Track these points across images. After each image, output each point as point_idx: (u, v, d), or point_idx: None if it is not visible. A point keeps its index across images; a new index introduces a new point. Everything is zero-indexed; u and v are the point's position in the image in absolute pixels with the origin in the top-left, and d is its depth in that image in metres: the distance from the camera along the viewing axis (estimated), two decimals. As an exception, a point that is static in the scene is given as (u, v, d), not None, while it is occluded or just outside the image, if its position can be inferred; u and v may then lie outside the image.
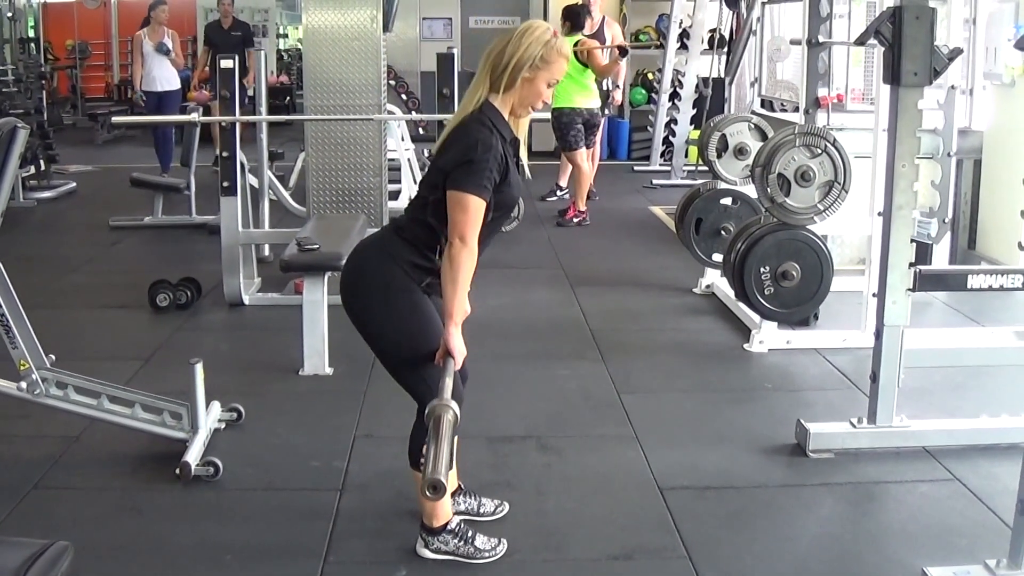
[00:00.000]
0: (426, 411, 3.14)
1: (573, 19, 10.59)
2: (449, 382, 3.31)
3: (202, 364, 4.81)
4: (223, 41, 13.23)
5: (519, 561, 4.00)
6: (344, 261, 4.00)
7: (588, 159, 10.81)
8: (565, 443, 5.12)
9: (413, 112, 13.74)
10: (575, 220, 10.47)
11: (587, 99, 10.58)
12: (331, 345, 6.01)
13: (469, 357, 3.73)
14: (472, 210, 3.56)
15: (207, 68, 13.69)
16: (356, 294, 3.83)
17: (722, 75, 9.88)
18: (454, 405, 3.10)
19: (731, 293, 6.67)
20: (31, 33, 16.49)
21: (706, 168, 7.61)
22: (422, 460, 3.78)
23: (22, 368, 4.64)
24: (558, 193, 11.71)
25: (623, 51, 11.06)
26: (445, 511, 3.94)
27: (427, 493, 2.84)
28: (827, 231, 6.33)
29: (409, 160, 11.04)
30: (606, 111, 11.87)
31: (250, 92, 11.91)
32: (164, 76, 12.89)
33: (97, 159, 14.96)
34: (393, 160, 10.06)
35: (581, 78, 10.46)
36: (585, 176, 10.67)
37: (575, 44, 10.37)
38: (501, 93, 3.70)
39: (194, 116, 8.24)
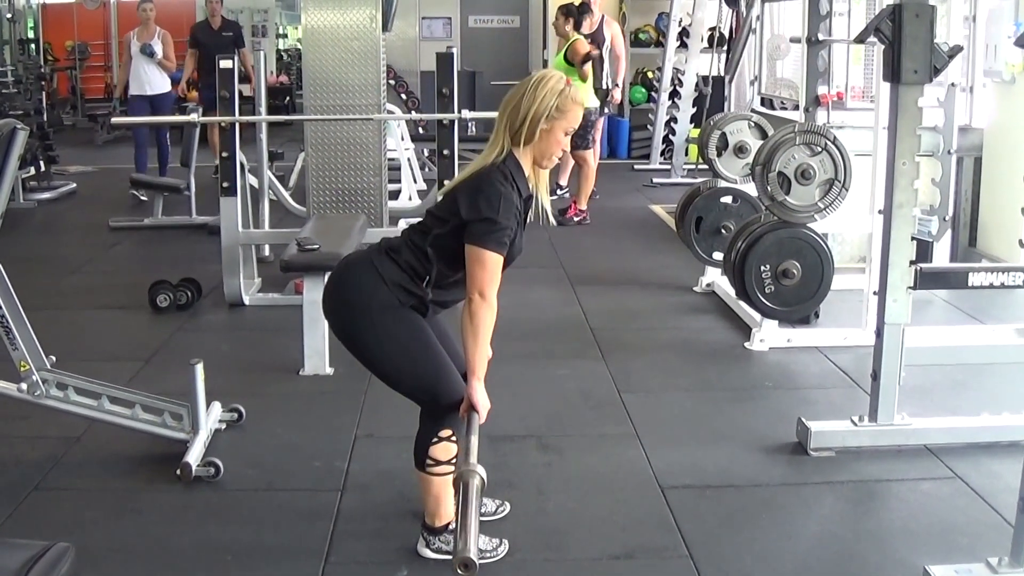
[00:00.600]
0: (453, 477, 3.15)
1: (573, 18, 10.58)
2: (474, 441, 3.32)
3: (202, 365, 4.80)
4: (213, 42, 12.51)
5: (520, 561, 4.00)
6: (327, 277, 3.99)
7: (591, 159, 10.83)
8: (566, 442, 5.12)
9: (413, 112, 13.74)
10: (576, 219, 10.47)
11: (590, 98, 10.59)
12: (331, 345, 6.00)
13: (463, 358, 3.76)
14: (492, 267, 3.61)
15: (196, 72, 13.11)
16: (341, 313, 3.85)
17: (722, 73, 9.87)
18: (480, 470, 3.08)
19: (732, 291, 6.67)
20: (31, 34, 16.50)
21: (706, 166, 7.62)
22: (430, 463, 3.82)
23: (22, 369, 4.64)
24: (559, 192, 11.71)
25: (586, 58, 11.01)
26: (447, 511, 3.94)
27: (458, 572, 2.77)
28: (827, 229, 6.32)
29: (409, 160, 11.05)
30: (606, 110, 11.85)
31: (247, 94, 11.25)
32: (151, 79, 11.97)
33: (97, 160, 14.96)
34: (393, 160, 10.06)
35: (571, 77, 10.43)
36: (592, 175, 10.67)
37: (569, 43, 10.38)
38: (522, 147, 3.73)
39: (193, 116, 8.23)
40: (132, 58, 11.93)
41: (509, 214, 3.63)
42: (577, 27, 10.54)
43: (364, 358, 3.88)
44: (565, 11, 10.59)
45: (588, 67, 10.37)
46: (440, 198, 3.85)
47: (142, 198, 11.08)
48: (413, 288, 3.74)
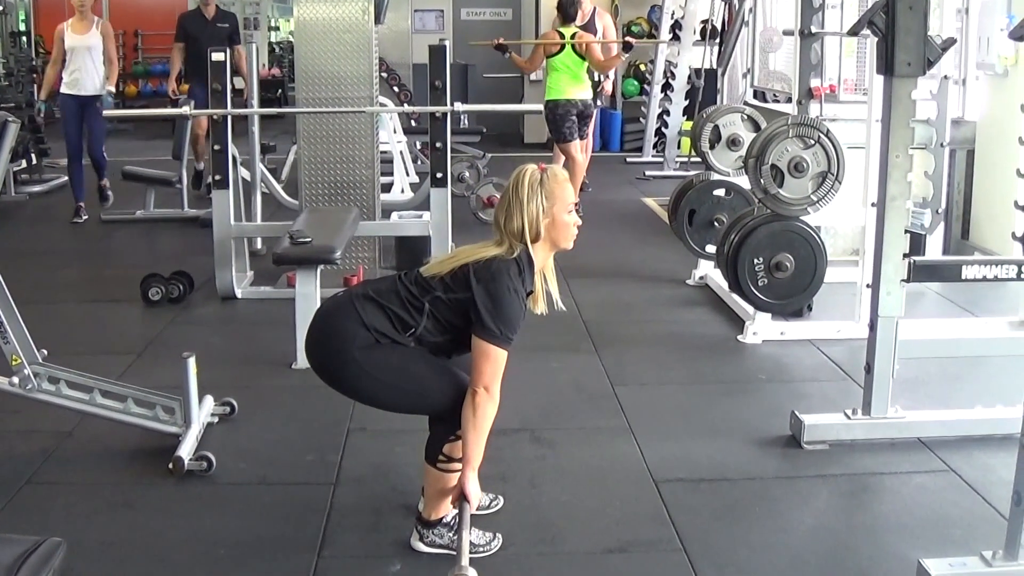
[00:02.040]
0: None
1: (564, 10, 10.56)
2: (466, 537, 3.38)
3: (195, 358, 4.79)
4: (206, 34, 11.05)
5: (514, 555, 3.99)
6: (308, 329, 3.98)
7: (581, 151, 10.79)
8: (559, 436, 5.11)
9: (405, 104, 13.72)
10: None
11: (581, 90, 10.55)
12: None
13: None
14: (498, 362, 3.65)
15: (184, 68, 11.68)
16: (326, 363, 3.87)
17: (714, 66, 9.89)
18: (473, 573, 3.11)
19: (724, 284, 6.67)
20: (22, 27, 16.43)
21: (699, 159, 7.62)
22: (441, 459, 3.82)
23: (14, 363, 4.62)
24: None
25: (627, 46, 11.05)
26: (444, 505, 3.93)
27: None
28: (821, 222, 6.32)
29: (401, 152, 11.04)
30: (598, 102, 11.85)
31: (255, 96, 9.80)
32: (85, 78, 10.23)
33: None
34: (385, 152, 10.04)
35: (577, 70, 10.44)
36: (579, 168, 10.65)
37: (572, 36, 10.36)
38: (532, 244, 3.77)
39: (185, 109, 8.21)
40: (67, 52, 10.21)
41: (520, 313, 3.70)
42: (569, 19, 10.52)
43: (367, 398, 3.90)
44: (558, 3, 10.61)
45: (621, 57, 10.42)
46: (447, 266, 3.77)
47: (108, 193, 10.65)
48: (395, 336, 3.73)
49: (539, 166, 3.80)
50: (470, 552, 3.89)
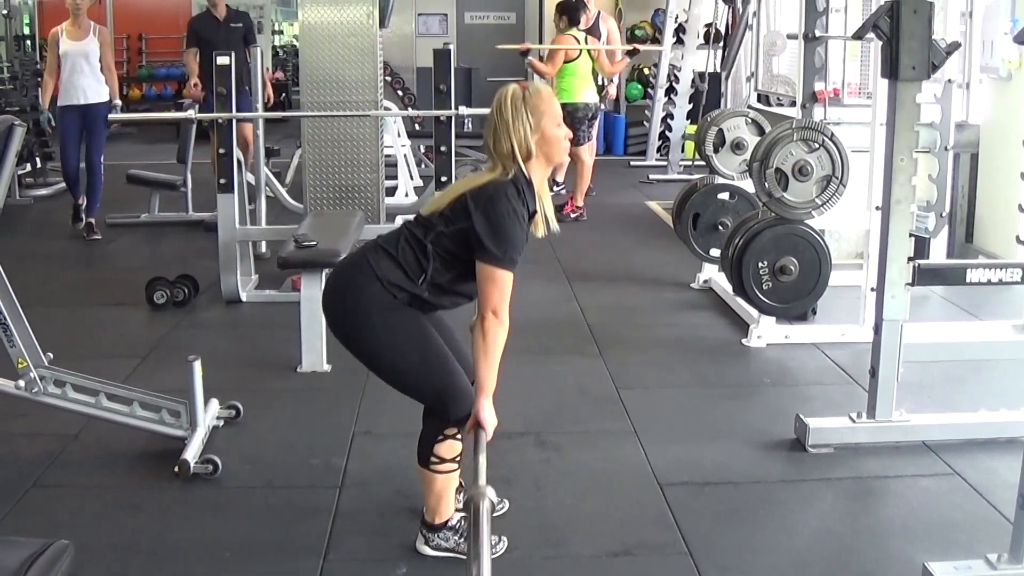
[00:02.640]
0: (463, 500, 3.13)
1: (569, 14, 10.58)
2: (483, 461, 3.32)
3: (200, 361, 4.80)
4: (220, 37, 10.37)
5: (519, 558, 4.00)
6: (324, 283, 3.97)
7: (590, 152, 10.86)
8: (564, 439, 5.12)
9: (409, 108, 13.72)
10: (572, 215, 10.47)
11: (592, 93, 10.63)
12: (329, 342, 5.99)
13: (468, 357, 3.75)
14: (504, 285, 3.61)
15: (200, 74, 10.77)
16: (341, 318, 3.81)
17: (718, 69, 9.87)
18: (490, 492, 3.07)
19: (729, 288, 6.67)
20: (27, 31, 16.46)
21: (703, 163, 7.62)
22: (434, 460, 3.81)
23: (20, 366, 4.63)
24: (555, 188, 11.71)
25: (633, 52, 11.12)
26: (447, 508, 3.93)
27: None
28: (825, 225, 6.32)
29: (406, 156, 11.04)
30: (601, 105, 11.87)
31: (260, 99, 9.64)
32: (86, 86, 9.52)
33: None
34: (390, 156, 10.05)
35: (588, 74, 10.49)
36: (588, 171, 10.69)
37: (586, 40, 10.39)
38: (525, 164, 3.71)
39: (191, 113, 8.22)
40: (62, 60, 9.48)
41: (521, 233, 3.65)
42: (574, 23, 10.55)
43: (366, 360, 3.87)
44: (561, 8, 10.61)
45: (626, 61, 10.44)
46: (447, 200, 3.76)
47: (95, 231, 9.68)
48: (408, 286, 3.71)
49: (520, 84, 3.75)
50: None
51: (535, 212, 3.79)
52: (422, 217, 3.81)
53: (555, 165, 3.87)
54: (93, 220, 9.72)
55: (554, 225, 3.93)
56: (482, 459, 3.33)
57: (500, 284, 3.60)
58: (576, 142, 10.47)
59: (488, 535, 2.92)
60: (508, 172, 3.68)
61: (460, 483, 4.26)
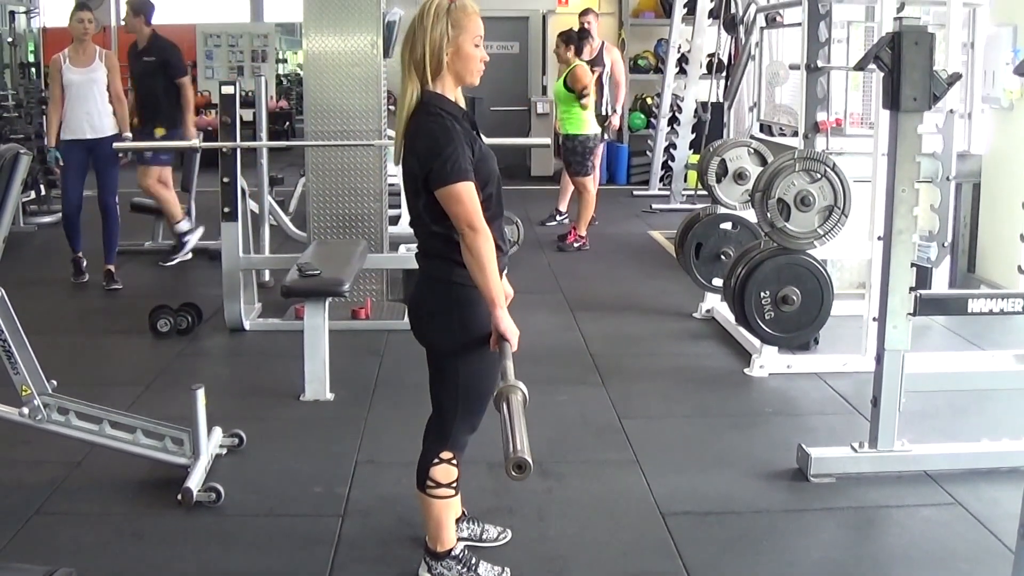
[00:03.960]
0: (495, 394, 3.14)
1: (576, 44, 10.66)
2: (510, 364, 3.31)
3: (203, 390, 4.81)
4: (134, 67, 9.78)
5: (522, 587, 4.00)
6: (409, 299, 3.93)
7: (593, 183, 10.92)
8: (566, 468, 5.12)
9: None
10: (575, 245, 10.50)
11: (595, 124, 10.67)
12: (332, 371, 6.02)
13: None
14: (466, 197, 3.50)
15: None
16: (427, 326, 3.78)
17: (721, 99, 9.91)
18: (521, 386, 3.09)
19: (731, 318, 6.68)
20: (31, 58, 16.46)
21: (705, 193, 7.64)
22: (430, 484, 3.81)
23: (24, 394, 4.64)
24: (558, 218, 11.74)
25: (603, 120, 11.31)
26: (449, 536, 3.93)
27: (512, 472, 2.81)
28: (827, 255, 6.33)
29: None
30: (605, 136, 11.91)
31: (193, 139, 9.04)
32: (92, 119, 8.82)
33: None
34: (393, 185, 10.07)
35: (592, 104, 10.54)
36: (592, 201, 10.72)
37: (570, 69, 10.46)
38: (432, 81, 3.62)
39: (195, 142, 8.26)
40: (66, 89, 8.75)
41: (451, 139, 3.52)
42: (578, 53, 10.60)
43: (438, 352, 3.80)
44: (565, 38, 10.64)
45: (588, 96, 10.44)
46: (401, 158, 3.71)
47: (116, 280, 8.96)
48: (463, 263, 3.62)
49: None
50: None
51: (466, 113, 3.71)
52: (411, 208, 3.73)
53: (468, 83, 3.74)
54: (113, 268, 9.04)
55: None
56: (509, 364, 3.32)
57: (463, 198, 3.49)
58: (582, 172, 10.54)
59: (521, 420, 2.99)
60: (413, 94, 3.60)
61: (463, 511, 4.26)
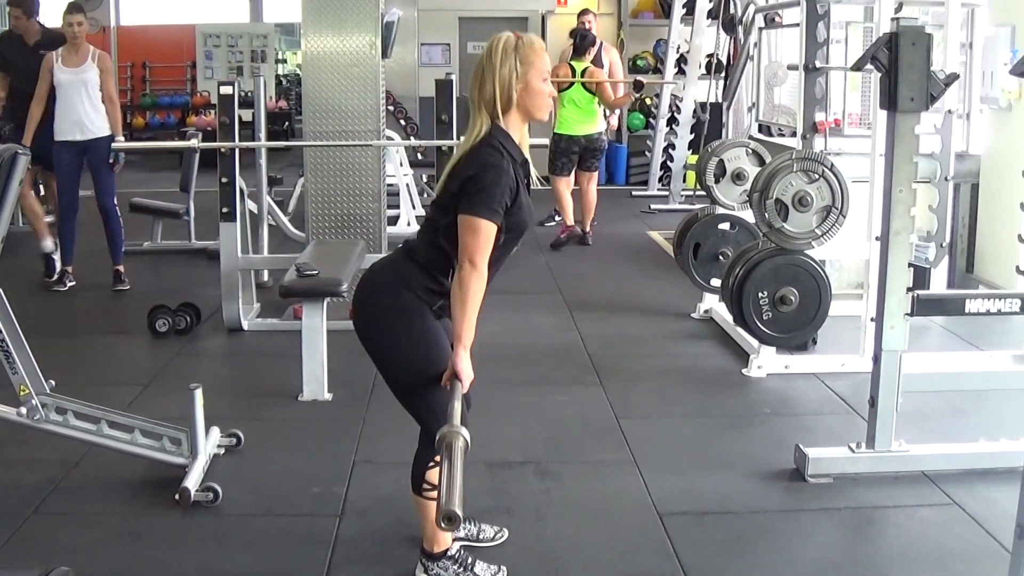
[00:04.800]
0: (436, 438, 3.10)
1: (576, 43, 10.69)
2: (457, 406, 3.30)
3: (201, 389, 4.81)
4: (27, 63, 9.06)
5: (519, 587, 4.01)
6: (356, 283, 3.97)
7: (588, 182, 10.92)
8: (564, 468, 5.12)
9: (412, 138, 13.77)
10: (563, 236, 10.63)
11: (588, 126, 10.69)
12: (330, 371, 6.02)
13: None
14: (483, 234, 3.55)
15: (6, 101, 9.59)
16: (367, 317, 3.81)
17: (719, 100, 9.92)
18: (464, 431, 3.07)
19: (729, 318, 6.68)
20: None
21: (704, 193, 7.63)
22: (426, 487, 3.81)
23: (22, 393, 4.65)
24: (556, 218, 11.74)
25: (639, 85, 11.19)
26: (445, 537, 3.94)
27: (442, 524, 2.78)
28: (825, 256, 6.34)
29: (408, 185, 11.06)
30: (605, 136, 11.95)
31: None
32: (84, 119, 8.61)
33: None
34: (392, 185, 10.09)
35: (589, 105, 10.57)
36: (564, 199, 10.81)
37: (582, 73, 10.48)
38: (503, 116, 3.69)
39: (194, 142, 8.26)
40: (57, 89, 8.57)
41: (499, 181, 3.58)
42: (578, 53, 10.65)
43: (378, 359, 3.85)
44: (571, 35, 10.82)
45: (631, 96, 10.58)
46: (438, 191, 3.80)
47: (124, 278, 8.93)
48: (436, 286, 3.71)
49: (515, 34, 3.73)
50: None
51: (526, 162, 3.77)
52: (428, 217, 3.81)
53: (536, 119, 3.81)
54: (121, 268, 8.98)
55: (535, 179, 3.89)
56: (457, 404, 3.31)
57: (480, 234, 3.55)
58: (551, 170, 10.63)
59: (461, 469, 2.93)
60: (482, 128, 3.67)
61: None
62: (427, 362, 3.73)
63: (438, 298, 3.73)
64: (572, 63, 10.67)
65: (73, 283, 8.87)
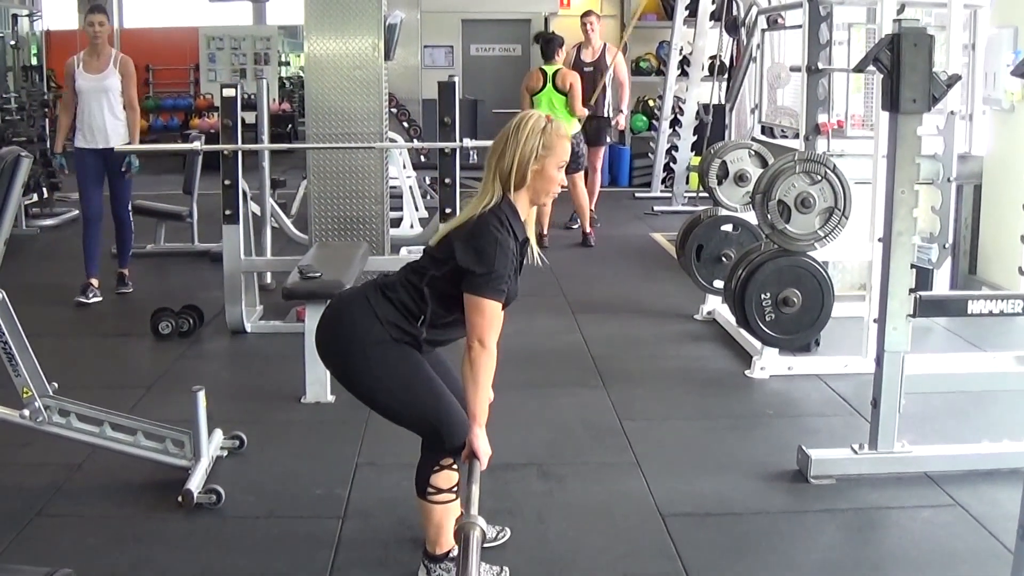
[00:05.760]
0: (454, 528, 3.12)
1: (542, 49, 10.74)
2: (475, 491, 3.32)
3: (204, 392, 4.81)
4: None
5: (521, 588, 4.01)
6: (321, 314, 4.01)
7: (574, 186, 10.90)
8: (567, 470, 5.12)
9: (415, 140, 13.76)
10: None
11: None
12: (333, 373, 6.02)
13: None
14: (490, 315, 3.62)
15: None
16: (338, 353, 3.86)
17: (722, 102, 9.92)
18: (481, 521, 3.08)
19: (732, 319, 6.67)
20: (34, 61, 16.49)
21: (707, 195, 7.63)
22: (430, 491, 3.82)
23: (25, 396, 4.65)
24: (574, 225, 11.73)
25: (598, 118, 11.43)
26: (448, 539, 3.94)
27: None
28: (828, 257, 6.34)
29: (411, 188, 11.07)
30: (608, 138, 11.94)
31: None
32: (106, 127, 8.43)
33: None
34: (395, 188, 10.09)
35: (563, 108, 10.52)
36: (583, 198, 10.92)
37: (554, 75, 10.48)
38: (514, 191, 3.74)
39: (197, 144, 8.26)
40: (79, 95, 8.43)
41: (506, 261, 3.64)
42: (543, 57, 10.71)
43: (362, 394, 3.89)
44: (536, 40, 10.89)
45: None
46: (435, 240, 3.85)
47: (128, 282, 8.90)
48: (407, 327, 3.75)
49: (546, 116, 3.78)
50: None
51: (526, 240, 3.82)
52: (417, 262, 3.85)
53: (540, 204, 3.87)
54: (126, 271, 8.93)
55: (538, 259, 3.95)
56: (475, 488, 3.34)
57: (486, 313, 3.62)
58: (580, 168, 10.68)
59: (477, 564, 2.94)
60: (493, 197, 3.71)
61: (462, 512, 4.26)
62: (406, 384, 3.78)
63: (405, 336, 3.76)
64: (544, 68, 10.67)
65: (99, 298, 8.57)
